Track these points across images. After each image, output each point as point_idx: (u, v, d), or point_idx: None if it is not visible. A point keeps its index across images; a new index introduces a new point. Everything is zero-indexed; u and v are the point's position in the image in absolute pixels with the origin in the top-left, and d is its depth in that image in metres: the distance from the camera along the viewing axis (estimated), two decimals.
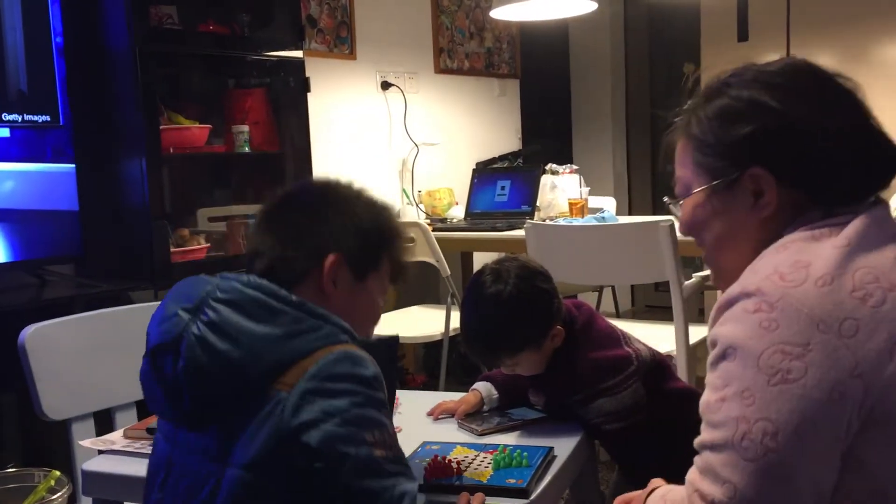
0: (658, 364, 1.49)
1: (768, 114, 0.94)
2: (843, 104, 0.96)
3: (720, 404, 0.85)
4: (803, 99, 0.95)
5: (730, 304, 0.89)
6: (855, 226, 0.90)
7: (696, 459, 0.87)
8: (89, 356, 1.76)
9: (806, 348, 0.82)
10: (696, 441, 0.88)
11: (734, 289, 0.89)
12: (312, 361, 0.98)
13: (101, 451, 1.44)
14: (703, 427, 0.88)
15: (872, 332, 0.83)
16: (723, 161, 0.96)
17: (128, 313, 1.92)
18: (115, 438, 1.48)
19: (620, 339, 1.48)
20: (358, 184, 1.20)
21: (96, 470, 1.37)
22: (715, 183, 0.97)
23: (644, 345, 1.51)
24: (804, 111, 0.94)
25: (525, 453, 1.25)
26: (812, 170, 0.94)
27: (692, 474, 0.87)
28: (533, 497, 1.16)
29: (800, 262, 0.87)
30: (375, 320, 1.20)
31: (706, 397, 0.88)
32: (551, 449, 1.29)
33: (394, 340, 1.16)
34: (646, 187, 5.18)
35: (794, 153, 0.93)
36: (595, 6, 3.19)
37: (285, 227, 1.12)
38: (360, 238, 1.12)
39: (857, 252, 0.88)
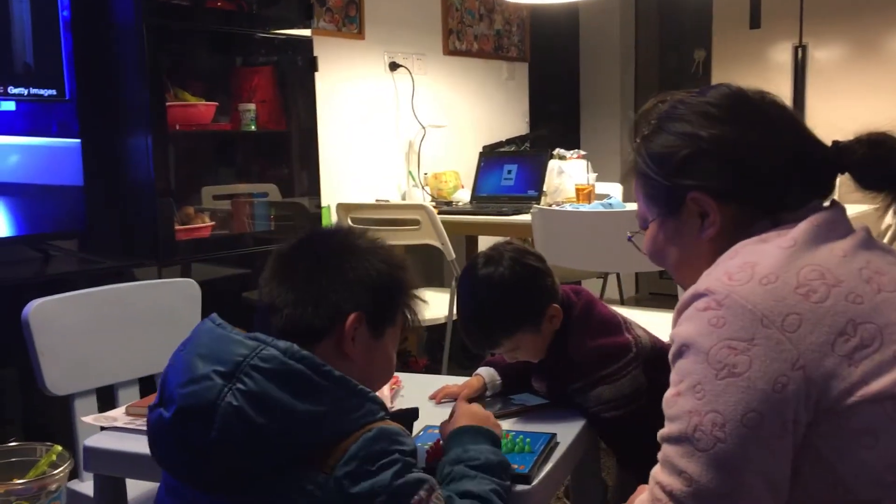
0: (659, 351, 1.49)
1: (699, 141, 1.01)
2: (773, 120, 1.03)
3: (676, 399, 0.90)
4: (731, 122, 1.01)
5: (686, 305, 0.94)
6: (802, 227, 0.95)
7: (659, 453, 0.92)
8: (92, 332, 1.76)
9: (751, 343, 0.86)
10: (658, 434, 0.92)
11: (689, 291, 0.94)
12: (352, 441, 0.96)
13: (103, 428, 1.44)
14: (665, 421, 0.92)
15: (814, 326, 0.87)
16: (666, 191, 1.04)
17: (132, 290, 1.92)
18: (118, 415, 1.48)
19: (621, 324, 1.48)
20: (371, 234, 1.18)
21: (98, 446, 1.37)
22: (663, 212, 1.06)
23: (645, 331, 1.51)
24: (734, 133, 1.01)
25: (528, 439, 1.25)
26: (750, 186, 1.00)
27: (655, 468, 0.92)
28: (535, 483, 1.16)
29: (747, 262, 0.92)
30: (390, 375, 1.19)
31: (666, 393, 0.93)
32: (554, 435, 1.29)
33: (413, 413, 1.14)
34: None
35: (727, 173, 1.00)
36: None
37: (305, 282, 1.09)
38: (378, 295, 1.10)
39: (803, 251, 0.93)
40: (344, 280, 1.09)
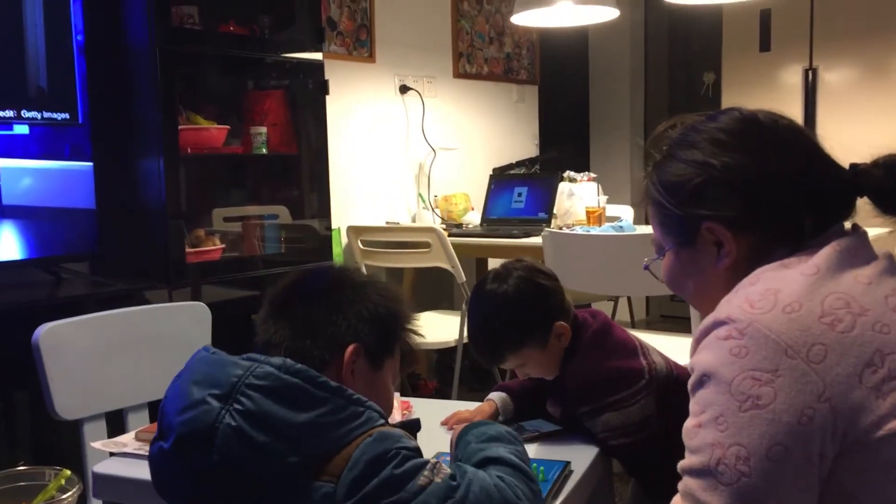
0: (677, 378, 1.47)
1: (710, 169, 0.99)
2: (786, 146, 1.00)
3: (697, 430, 0.88)
4: (744, 149, 0.99)
5: (705, 332, 0.92)
6: (825, 253, 0.92)
7: (679, 484, 0.89)
8: (103, 356, 1.76)
9: (775, 374, 0.84)
10: (679, 466, 0.90)
11: (709, 318, 0.92)
12: (354, 448, 0.95)
13: (112, 454, 1.43)
14: (686, 452, 0.90)
15: (840, 357, 0.84)
16: (680, 220, 1.02)
17: (141, 314, 1.92)
18: (127, 441, 1.47)
19: (637, 349, 1.46)
20: (365, 271, 1.20)
21: (107, 473, 1.36)
22: (678, 241, 1.04)
23: (663, 357, 1.49)
24: (746, 161, 0.98)
25: (542, 467, 1.23)
26: (765, 215, 0.98)
27: (675, 499, 0.89)
28: None
29: (769, 290, 0.90)
30: (390, 407, 1.18)
31: (686, 423, 0.91)
32: (568, 463, 1.27)
33: (415, 424, 1.14)
34: None
35: (741, 202, 0.98)
36: (617, 13, 3.17)
37: (301, 317, 1.09)
38: (376, 326, 1.11)
39: (827, 278, 0.90)
40: (341, 313, 1.09)
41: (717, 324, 0.90)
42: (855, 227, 1.00)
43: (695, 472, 0.87)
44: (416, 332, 1.18)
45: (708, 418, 0.87)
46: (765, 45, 4.04)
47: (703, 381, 0.89)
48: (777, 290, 0.89)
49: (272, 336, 1.08)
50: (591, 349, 1.44)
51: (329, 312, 1.09)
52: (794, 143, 1.00)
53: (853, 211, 1.00)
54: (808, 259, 0.92)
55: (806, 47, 3.94)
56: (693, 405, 0.90)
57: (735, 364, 0.86)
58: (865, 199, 1.00)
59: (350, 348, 1.07)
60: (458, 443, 1.16)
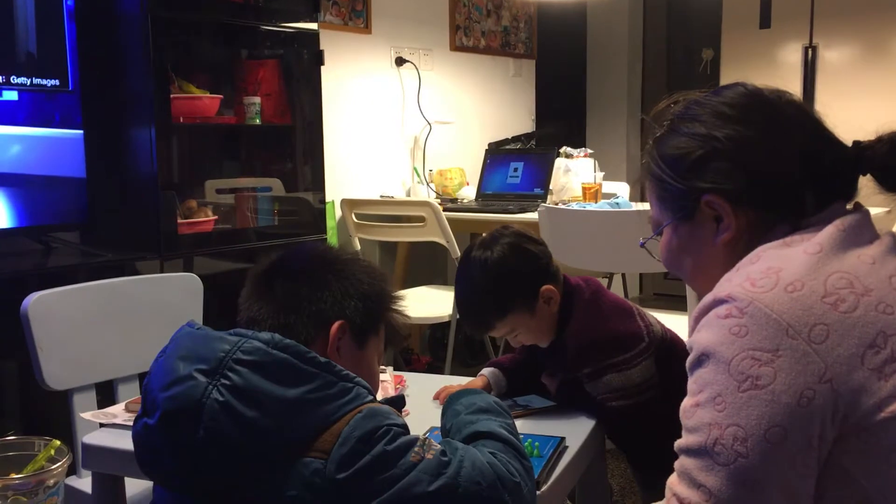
0: (670, 342, 1.47)
1: (713, 142, 0.97)
2: (790, 121, 0.98)
3: (695, 409, 0.86)
4: (747, 122, 0.97)
5: (705, 311, 0.90)
6: (828, 231, 0.91)
7: (676, 463, 0.88)
8: (93, 326, 1.74)
9: (775, 354, 0.82)
10: (675, 445, 0.89)
11: (709, 297, 0.90)
12: (344, 424, 0.94)
13: (102, 425, 1.42)
14: (683, 431, 0.89)
15: (842, 338, 0.83)
16: (680, 194, 1.00)
17: (133, 284, 1.90)
18: (117, 412, 1.45)
19: (633, 310, 1.47)
20: (358, 245, 1.18)
21: (97, 444, 1.35)
22: (677, 216, 1.02)
23: (656, 320, 1.49)
24: (750, 134, 0.97)
25: (536, 443, 1.22)
26: (766, 188, 0.96)
27: (672, 478, 0.88)
28: (544, 489, 1.14)
29: (771, 268, 0.88)
30: (376, 386, 1.17)
31: (684, 402, 0.89)
32: (563, 439, 1.27)
33: (400, 400, 1.13)
34: None
35: (743, 175, 0.96)
36: None
37: (285, 294, 1.07)
38: (361, 303, 1.10)
39: (830, 257, 0.88)
40: (327, 290, 1.08)
41: (718, 302, 0.88)
42: (857, 205, 0.98)
43: (692, 452, 0.85)
44: (400, 313, 1.17)
45: (706, 398, 0.85)
46: (765, 22, 4.01)
47: (701, 359, 0.87)
48: (779, 269, 0.87)
49: (256, 313, 1.07)
50: (588, 312, 1.43)
51: (314, 289, 1.07)
52: (797, 119, 0.99)
53: (856, 191, 0.99)
54: (810, 237, 0.91)
55: (806, 25, 3.90)
56: (691, 384, 0.88)
57: (735, 343, 0.84)
58: (866, 178, 0.98)
59: (335, 325, 1.06)
60: (447, 411, 1.15)
